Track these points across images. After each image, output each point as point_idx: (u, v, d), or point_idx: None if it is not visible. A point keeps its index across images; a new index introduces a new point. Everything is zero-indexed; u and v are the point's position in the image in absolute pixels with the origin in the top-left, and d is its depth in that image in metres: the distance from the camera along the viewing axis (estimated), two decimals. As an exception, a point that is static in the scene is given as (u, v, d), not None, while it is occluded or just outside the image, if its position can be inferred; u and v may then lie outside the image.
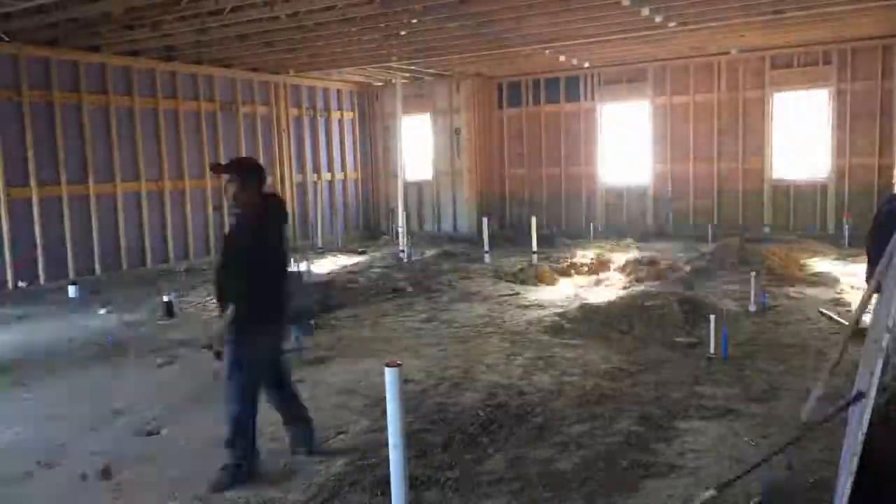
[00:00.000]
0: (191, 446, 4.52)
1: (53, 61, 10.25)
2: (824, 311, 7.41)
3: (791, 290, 8.59)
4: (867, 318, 4.16)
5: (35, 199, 10.08)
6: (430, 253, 12.64)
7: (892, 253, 3.22)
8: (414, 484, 3.64)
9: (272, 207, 4.13)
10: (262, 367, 4.01)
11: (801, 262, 10.50)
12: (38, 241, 10.13)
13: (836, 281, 9.21)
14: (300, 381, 5.18)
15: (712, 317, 6.00)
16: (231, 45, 10.86)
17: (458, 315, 7.98)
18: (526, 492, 3.71)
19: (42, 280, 10.18)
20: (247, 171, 4.06)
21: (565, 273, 10.46)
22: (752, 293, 7.53)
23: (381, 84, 16.10)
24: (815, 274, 9.75)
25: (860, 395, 2.67)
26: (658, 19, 9.69)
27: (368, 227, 16.81)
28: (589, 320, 7.16)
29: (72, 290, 10.01)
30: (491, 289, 9.45)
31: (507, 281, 9.93)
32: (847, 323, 5.84)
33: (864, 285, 4.58)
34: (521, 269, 10.37)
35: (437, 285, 9.68)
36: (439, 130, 15.98)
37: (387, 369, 3.20)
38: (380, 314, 8.16)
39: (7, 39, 9.58)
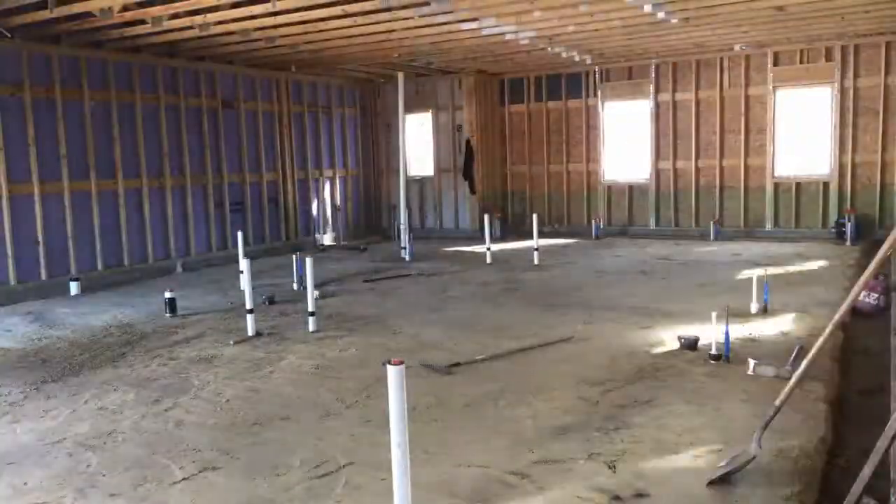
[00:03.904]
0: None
1: (55, 57, 10.24)
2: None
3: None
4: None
5: (37, 196, 10.08)
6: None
7: None
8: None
9: None
10: None
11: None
12: (40, 237, 10.13)
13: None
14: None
15: (713, 314, 5.98)
16: (232, 41, 10.85)
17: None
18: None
19: (44, 276, 10.18)
20: None
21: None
22: (754, 292, 7.52)
23: (382, 81, 16.08)
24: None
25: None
26: (661, 15, 9.67)
27: (370, 224, 16.79)
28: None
29: (73, 287, 10.03)
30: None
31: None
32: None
33: None
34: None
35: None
36: (441, 127, 15.96)
37: (389, 367, 3.18)
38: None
39: (9, 36, 9.58)
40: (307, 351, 6.63)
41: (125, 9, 8.82)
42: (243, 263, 7.54)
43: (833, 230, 13.00)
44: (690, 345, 6.19)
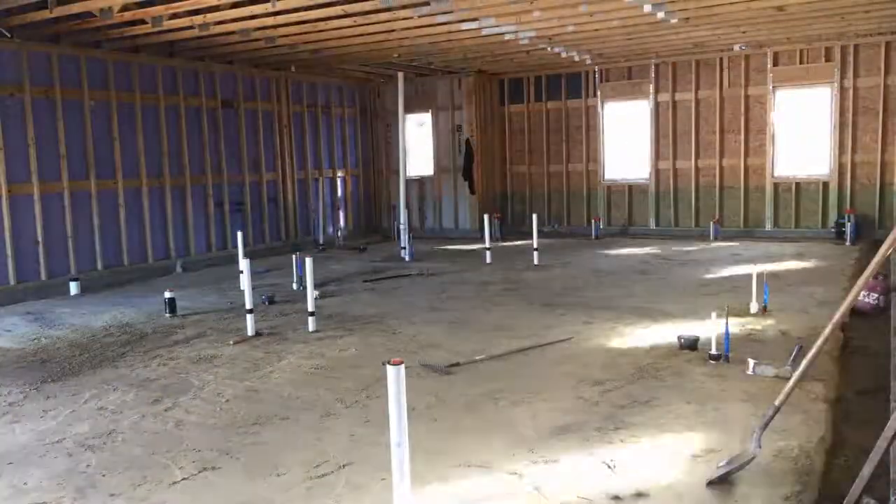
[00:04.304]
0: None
1: (55, 57, 10.23)
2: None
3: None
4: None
5: (36, 195, 10.07)
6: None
7: None
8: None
9: None
10: None
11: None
12: (40, 237, 10.13)
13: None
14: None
15: (713, 314, 5.98)
16: (232, 41, 10.86)
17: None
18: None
19: (43, 276, 10.17)
20: None
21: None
22: (754, 292, 7.52)
23: (382, 81, 16.09)
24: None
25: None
26: (661, 15, 9.67)
27: (370, 223, 16.80)
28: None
29: (73, 287, 10.03)
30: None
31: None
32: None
33: None
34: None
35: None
36: (441, 127, 15.96)
37: (388, 367, 3.18)
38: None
39: (9, 35, 9.58)
40: (307, 351, 6.63)
41: (125, 9, 8.83)
42: (243, 263, 7.54)
43: (833, 230, 13.00)
44: (690, 345, 6.19)
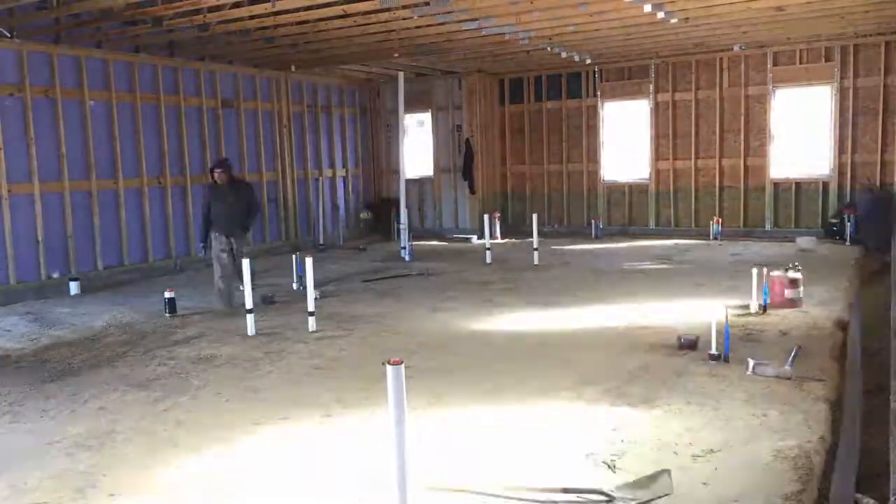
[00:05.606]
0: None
1: (55, 57, 10.23)
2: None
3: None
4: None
5: (37, 195, 10.07)
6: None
7: None
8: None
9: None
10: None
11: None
12: (40, 237, 10.12)
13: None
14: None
15: (713, 313, 5.98)
16: (232, 41, 10.86)
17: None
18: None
19: (43, 276, 10.17)
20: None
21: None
22: (754, 292, 7.52)
23: (382, 80, 16.09)
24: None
25: None
26: (661, 15, 9.67)
27: (370, 223, 16.79)
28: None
29: (73, 287, 10.02)
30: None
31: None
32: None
33: None
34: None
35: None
36: (440, 127, 15.96)
37: (388, 367, 3.19)
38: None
39: (10, 36, 9.58)
40: (307, 351, 6.64)
41: (125, 9, 8.82)
42: (243, 263, 7.53)
43: (833, 230, 12.99)
44: (690, 344, 6.20)
